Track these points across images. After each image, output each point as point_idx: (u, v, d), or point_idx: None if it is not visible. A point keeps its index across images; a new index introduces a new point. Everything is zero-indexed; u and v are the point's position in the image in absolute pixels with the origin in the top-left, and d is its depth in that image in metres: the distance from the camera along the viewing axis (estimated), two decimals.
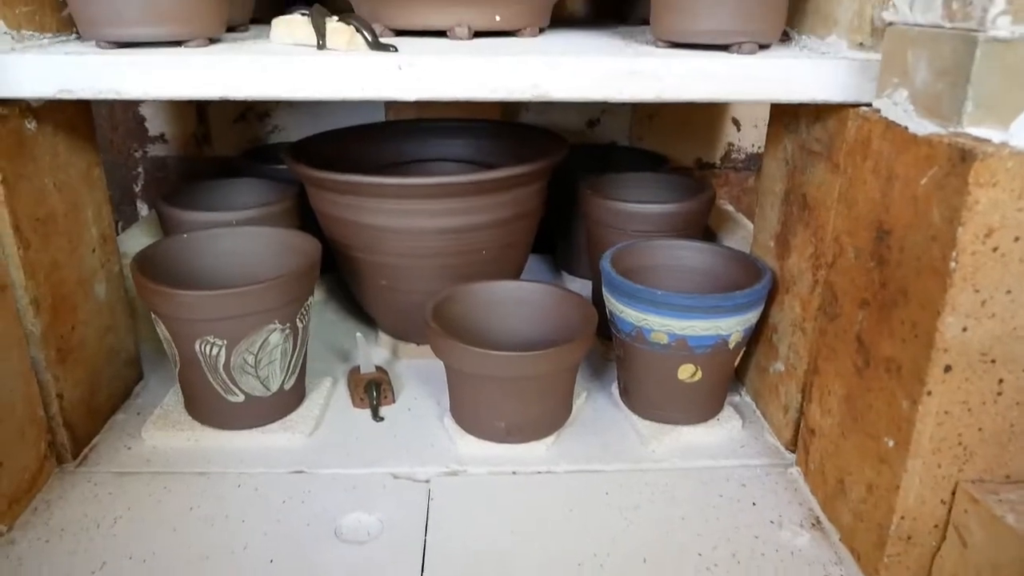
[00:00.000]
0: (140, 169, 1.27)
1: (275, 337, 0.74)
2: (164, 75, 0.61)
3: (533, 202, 0.86)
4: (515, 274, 0.94)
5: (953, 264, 0.50)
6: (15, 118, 0.65)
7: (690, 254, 0.85)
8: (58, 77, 0.61)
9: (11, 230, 0.65)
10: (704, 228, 0.95)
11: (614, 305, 0.77)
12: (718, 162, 1.32)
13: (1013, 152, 0.48)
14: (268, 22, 0.90)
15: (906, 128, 0.55)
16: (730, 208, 1.21)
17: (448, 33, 0.74)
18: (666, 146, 1.28)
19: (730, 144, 1.31)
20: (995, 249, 0.50)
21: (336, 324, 1.02)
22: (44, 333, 0.69)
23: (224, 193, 0.97)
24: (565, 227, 1.13)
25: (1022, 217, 0.49)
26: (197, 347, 0.72)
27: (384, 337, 0.96)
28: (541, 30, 0.81)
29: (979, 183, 0.48)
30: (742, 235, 1.07)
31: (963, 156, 0.49)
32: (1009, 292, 0.51)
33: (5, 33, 0.64)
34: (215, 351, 0.72)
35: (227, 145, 1.26)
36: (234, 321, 0.71)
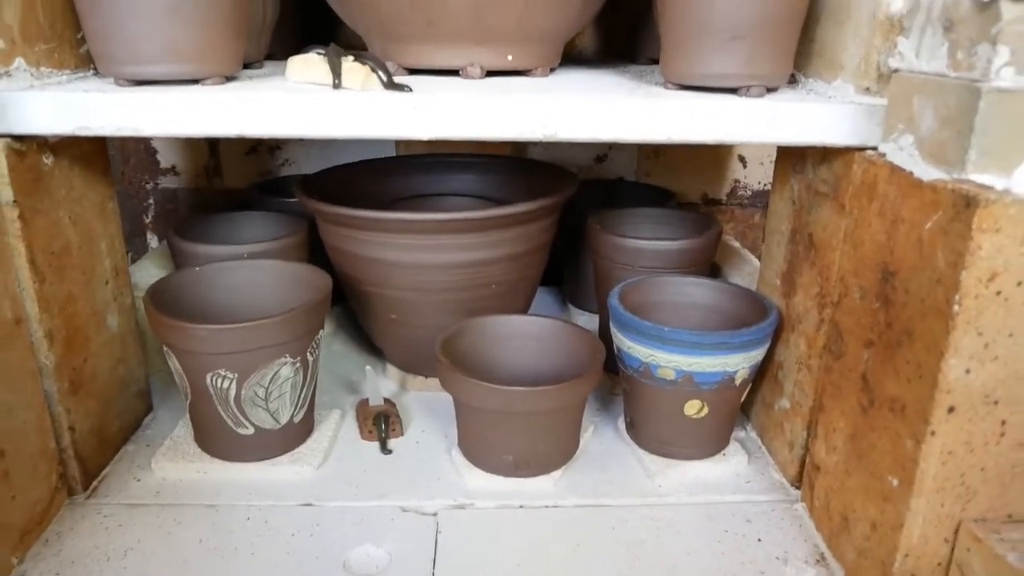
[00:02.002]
0: (151, 200, 1.28)
1: (285, 370, 0.74)
2: (182, 114, 0.62)
3: (542, 238, 0.87)
4: (524, 308, 0.95)
5: (956, 307, 0.51)
6: (33, 153, 0.66)
7: (697, 290, 0.86)
8: (77, 115, 0.62)
9: (27, 264, 0.66)
10: (711, 264, 0.96)
11: (622, 341, 0.78)
12: (724, 198, 1.33)
13: (1016, 199, 0.49)
14: (284, 58, 0.92)
15: (911, 173, 0.56)
16: (736, 244, 1.22)
17: (460, 72, 0.76)
18: (673, 182, 1.29)
19: (736, 181, 1.32)
20: (998, 293, 0.51)
21: (345, 356, 1.03)
22: (57, 365, 0.70)
23: (235, 226, 0.98)
24: (573, 261, 1.14)
25: None
26: (208, 380, 0.72)
27: (392, 369, 0.97)
28: (552, 69, 0.82)
29: (982, 229, 0.49)
30: (748, 271, 1.07)
31: (967, 202, 0.50)
32: (1012, 335, 0.52)
33: (25, 70, 0.65)
34: (226, 384, 0.72)
35: (238, 178, 1.28)
36: (245, 355, 0.71)
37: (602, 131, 0.63)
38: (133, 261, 1.17)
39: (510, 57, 0.76)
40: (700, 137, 0.64)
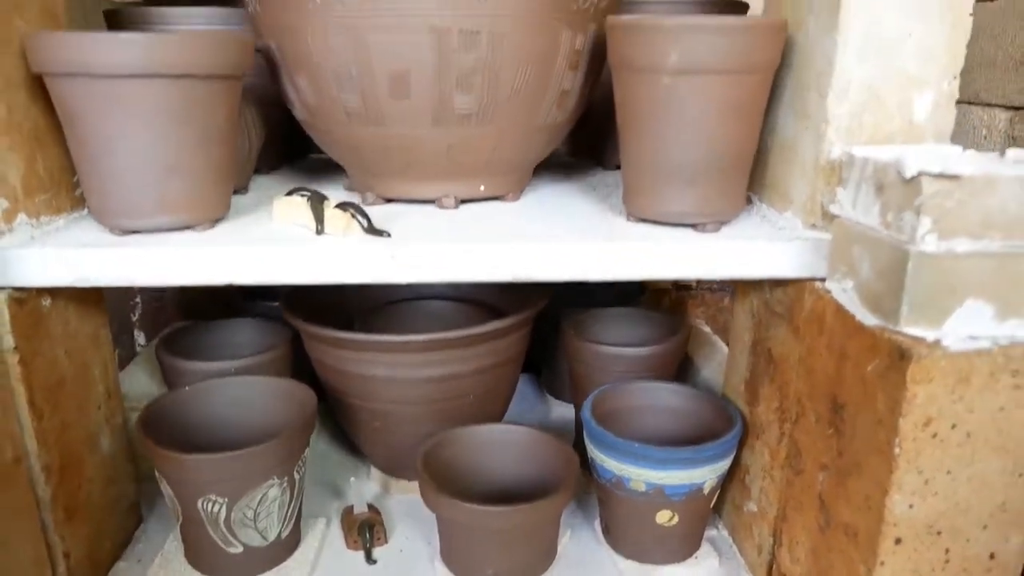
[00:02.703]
0: (138, 299, 1.31)
1: (273, 491, 0.78)
2: (175, 266, 0.66)
3: (515, 348, 0.91)
4: (503, 410, 0.98)
5: (897, 449, 0.55)
6: (32, 299, 0.70)
7: (668, 396, 0.90)
8: (75, 268, 0.66)
9: (26, 403, 0.69)
10: (680, 363, 1.00)
11: (595, 453, 0.82)
12: (694, 283, 1.38)
13: (945, 353, 0.53)
14: (268, 171, 0.97)
15: (854, 316, 0.61)
16: (707, 329, 1.26)
17: (436, 202, 0.80)
18: None
19: None
20: (934, 435, 0.55)
21: (328, 456, 1.06)
22: (54, 496, 0.72)
23: (222, 336, 1.01)
24: (549, 352, 1.18)
25: (956, 407, 0.55)
26: (199, 504, 0.75)
27: (376, 472, 1.00)
28: (523, 189, 0.87)
29: (916, 380, 0.54)
30: (719, 360, 1.12)
31: (901, 355, 0.54)
32: (949, 472, 0.56)
33: (26, 223, 0.69)
34: (216, 508, 0.75)
35: None
36: (235, 480, 0.75)
37: (567, 273, 0.67)
38: (121, 363, 1.20)
39: (482, 187, 0.81)
40: (659, 275, 0.68)
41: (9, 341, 0.67)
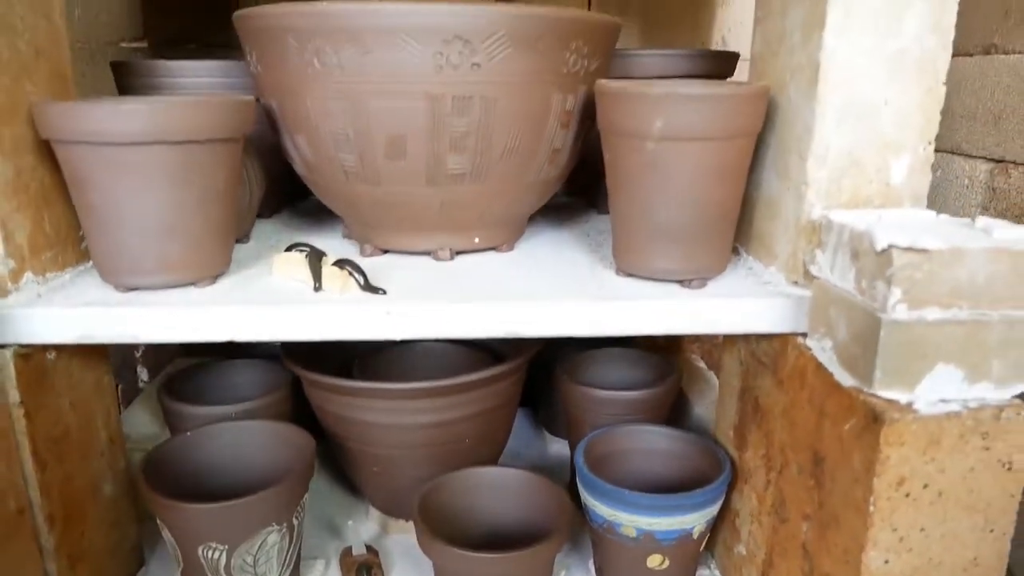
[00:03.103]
0: None
1: (273, 537, 0.79)
2: (177, 324, 0.68)
3: (511, 392, 0.93)
4: (499, 450, 1.00)
5: (872, 508, 0.57)
6: (38, 353, 0.72)
7: (659, 440, 0.92)
8: (80, 326, 0.68)
9: (30, 456, 0.71)
10: (672, 405, 1.02)
11: (587, 498, 0.84)
12: None
13: (916, 417, 0.55)
14: (269, 216, 0.99)
15: (832, 375, 0.63)
16: (701, 364, 1.28)
17: (432, 254, 0.83)
18: None
19: None
20: (907, 495, 0.57)
21: (327, 495, 1.08)
22: (57, 545, 0.74)
23: (223, 378, 1.03)
24: (545, 388, 1.20)
25: (928, 468, 0.57)
26: (200, 551, 0.77)
27: (375, 512, 1.02)
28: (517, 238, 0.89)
29: (889, 442, 0.56)
30: (712, 398, 1.14)
31: (875, 418, 0.56)
32: (923, 530, 0.58)
33: (32, 281, 0.71)
34: (216, 555, 0.77)
35: None
36: (235, 528, 0.76)
37: (557, 331, 0.70)
38: (124, 399, 1.22)
39: (477, 240, 0.83)
40: (647, 331, 0.70)
41: (15, 396, 0.69)
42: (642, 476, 0.90)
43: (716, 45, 1.27)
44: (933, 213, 0.65)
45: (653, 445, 0.92)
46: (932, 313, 0.56)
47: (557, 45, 0.72)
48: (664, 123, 0.66)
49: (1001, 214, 0.89)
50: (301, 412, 0.98)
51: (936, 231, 0.59)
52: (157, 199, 0.68)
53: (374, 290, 0.71)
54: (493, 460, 1.00)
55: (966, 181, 0.94)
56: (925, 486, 0.57)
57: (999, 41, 0.88)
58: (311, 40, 0.69)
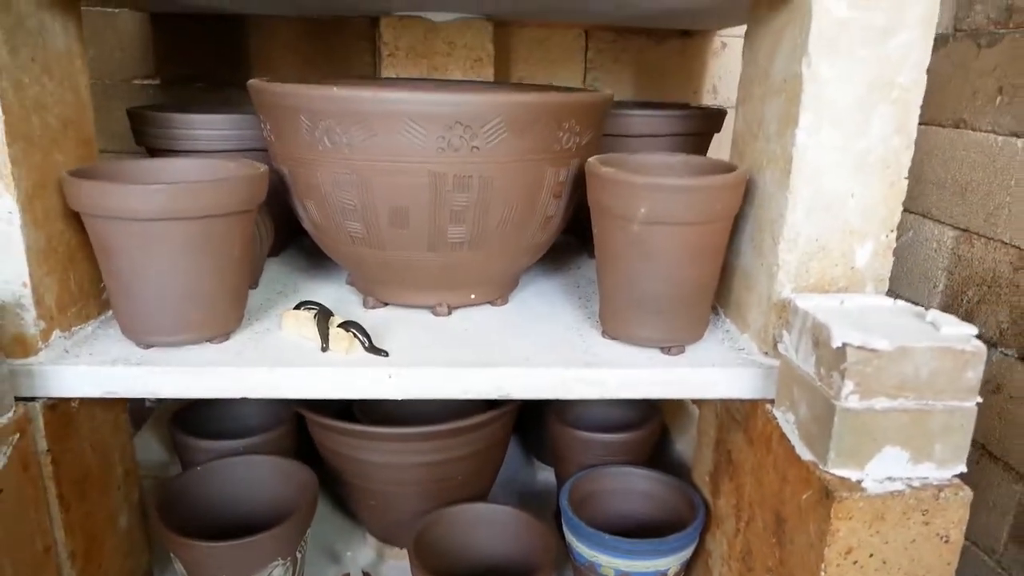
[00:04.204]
0: None
1: (278, 571, 0.86)
2: (193, 384, 0.74)
3: (500, 435, 0.99)
4: (488, 486, 1.06)
5: (823, 573, 0.63)
6: (63, 403, 0.78)
7: (640, 481, 0.98)
8: (105, 384, 0.74)
9: (56, 498, 0.77)
10: (655, 444, 1.08)
11: (571, 538, 0.90)
12: None
13: (864, 495, 0.62)
14: (276, 253, 1.05)
15: (794, 447, 0.69)
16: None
17: (431, 309, 0.89)
18: None
19: None
20: (855, 562, 0.63)
21: (327, 518, 1.14)
22: None
23: (231, 411, 1.09)
24: (535, 416, 1.26)
25: (874, 540, 0.63)
26: None
27: (372, 539, 1.08)
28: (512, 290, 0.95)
29: (839, 517, 0.62)
30: (693, 433, 1.20)
31: (827, 493, 0.62)
32: None
33: (59, 337, 0.77)
34: None
35: None
36: (244, 563, 0.83)
37: (545, 394, 0.76)
38: (133, 420, 1.27)
39: (473, 296, 0.89)
40: (628, 396, 0.76)
41: (43, 444, 0.75)
42: (624, 515, 0.97)
43: (708, 92, 1.33)
44: (891, 301, 0.71)
45: (634, 486, 0.99)
46: (881, 402, 0.62)
47: (551, 126, 0.78)
48: (648, 209, 0.71)
49: (963, 281, 0.95)
50: (303, 444, 1.04)
51: (890, 324, 0.65)
52: (177, 267, 0.73)
53: (377, 351, 0.77)
54: (484, 492, 1.06)
55: (935, 244, 1.00)
56: (871, 555, 0.63)
57: (968, 118, 0.94)
58: (322, 120, 0.75)
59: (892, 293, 1.08)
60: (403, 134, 0.73)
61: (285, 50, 1.27)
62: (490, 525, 0.95)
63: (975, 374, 0.62)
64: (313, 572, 1.01)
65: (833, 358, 0.63)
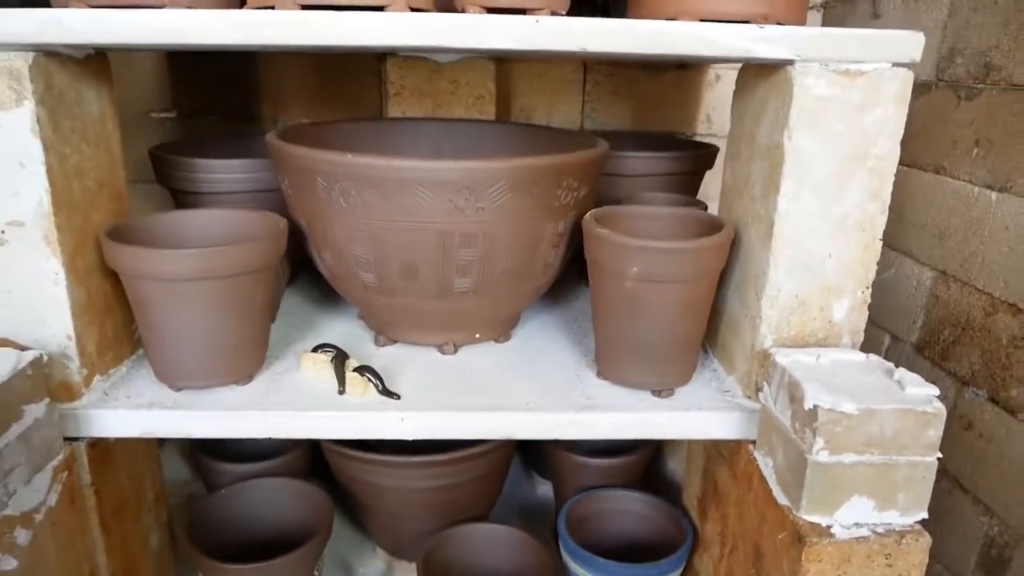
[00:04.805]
0: None
1: None
2: (221, 425, 0.81)
3: (501, 461, 1.06)
4: (491, 504, 1.13)
5: None
6: (103, 440, 0.84)
7: (633, 504, 1.05)
8: (142, 425, 0.80)
9: (98, 526, 0.84)
10: (649, 465, 1.15)
11: (567, 559, 0.97)
12: None
13: (832, 541, 0.68)
14: (290, 282, 1.10)
15: (771, 490, 0.76)
16: None
17: (438, 347, 0.95)
18: None
19: None
20: None
21: (338, 532, 1.21)
22: None
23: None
24: None
25: None
26: None
27: (382, 552, 1.15)
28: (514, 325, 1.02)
29: (809, 559, 0.68)
30: (683, 456, 1.26)
31: (799, 537, 0.69)
32: None
33: (99, 381, 0.84)
34: None
35: None
36: None
37: (545, 434, 0.82)
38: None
39: (477, 335, 0.96)
40: (622, 435, 0.83)
41: (87, 478, 0.82)
42: (618, 534, 1.04)
43: (702, 122, 1.38)
44: (863, 357, 0.77)
45: (627, 507, 1.06)
46: (849, 457, 0.68)
47: (550, 185, 0.83)
48: (640, 269, 0.77)
49: (940, 320, 1.01)
50: (316, 465, 1.11)
51: (860, 383, 0.71)
52: (206, 320, 0.79)
53: (390, 395, 0.84)
54: (487, 510, 1.13)
55: (914, 283, 1.05)
56: None
57: (947, 165, 1.00)
58: (338, 182, 0.81)
59: (875, 324, 1.14)
60: (414, 198, 0.79)
61: (295, 85, 1.32)
62: (492, 544, 1.03)
63: (936, 432, 0.68)
64: None
65: (806, 416, 0.69)
